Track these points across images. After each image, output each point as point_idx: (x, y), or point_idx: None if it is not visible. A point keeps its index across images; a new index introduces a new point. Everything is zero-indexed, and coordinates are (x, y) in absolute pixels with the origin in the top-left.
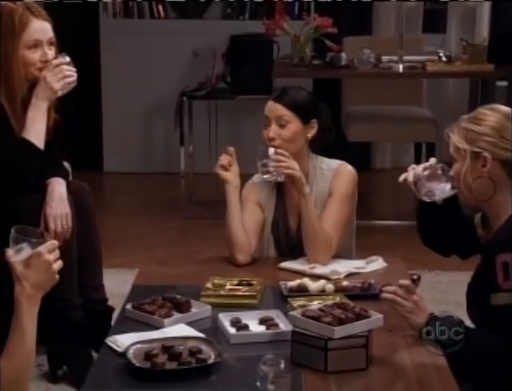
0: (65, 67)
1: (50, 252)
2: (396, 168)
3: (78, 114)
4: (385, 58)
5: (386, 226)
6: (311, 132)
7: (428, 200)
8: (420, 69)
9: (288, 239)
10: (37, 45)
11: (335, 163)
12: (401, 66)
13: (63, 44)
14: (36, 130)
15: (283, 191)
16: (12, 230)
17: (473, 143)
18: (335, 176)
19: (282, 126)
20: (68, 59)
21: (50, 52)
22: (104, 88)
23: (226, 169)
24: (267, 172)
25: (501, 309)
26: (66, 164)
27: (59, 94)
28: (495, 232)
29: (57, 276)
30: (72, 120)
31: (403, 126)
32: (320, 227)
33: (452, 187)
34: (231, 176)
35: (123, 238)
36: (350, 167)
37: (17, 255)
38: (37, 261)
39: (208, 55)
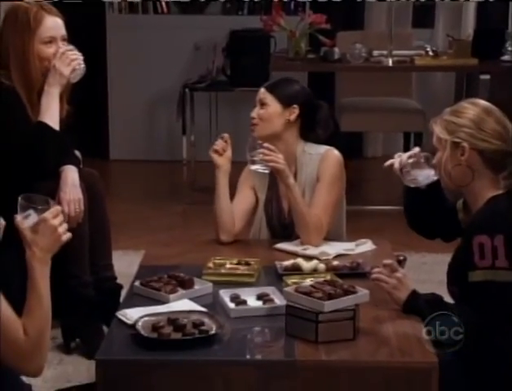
0: (70, 52)
1: (54, 217)
2: (387, 156)
3: (86, 105)
4: (376, 52)
5: (376, 211)
6: (292, 116)
7: (412, 186)
8: (408, 63)
9: (280, 218)
10: (51, 41)
11: (322, 148)
12: (391, 60)
13: (71, 38)
14: (50, 114)
15: (274, 174)
16: (19, 197)
17: (453, 134)
18: (322, 160)
19: (262, 107)
20: (71, 46)
21: (63, 48)
22: (110, 80)
23: (219, 153)
24: (254, 163)
25: (477, 286)
26: (77, 153)
27: (72, 80)
28: (473, 215)
29: (64, 238)
30: (80, 111)
31: (393, 117)
32: (308, 213)
33: (435, 174)
34: (223, 161)
35: (129, 222)
36: (336, 152)
37: (25, 221)
38: (44, 227)
39: (209, 49)
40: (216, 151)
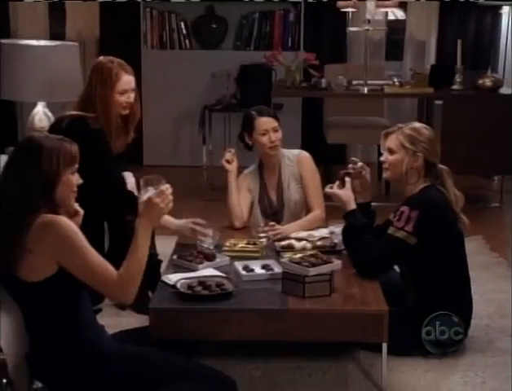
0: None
1: (158, 196)
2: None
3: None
4: (354, 82)
5: None
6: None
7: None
8: (379, 91)
9: (272, 208)
10: (125, 92)
11: (296, 151)
12: (366, 88)
13: None
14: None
15: (263, 177)
16: (140, 179)
17: (414, 145)
18: (300, 162)
19: (276, 132)
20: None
21: (132, 95)
22: (144, 102)
23: (229, 162)
24: (261, 237)
25: (387, 236)
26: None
27: None
28: (409, 196)
29: (164, 212)
30: None
31: (369, 132)
32: (311, 222)
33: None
34: (232, 168)
35: None
36: (306, 153)
37: (141, 197)
38: (149, 203)
39: (223, 78)
40: (227, 161)
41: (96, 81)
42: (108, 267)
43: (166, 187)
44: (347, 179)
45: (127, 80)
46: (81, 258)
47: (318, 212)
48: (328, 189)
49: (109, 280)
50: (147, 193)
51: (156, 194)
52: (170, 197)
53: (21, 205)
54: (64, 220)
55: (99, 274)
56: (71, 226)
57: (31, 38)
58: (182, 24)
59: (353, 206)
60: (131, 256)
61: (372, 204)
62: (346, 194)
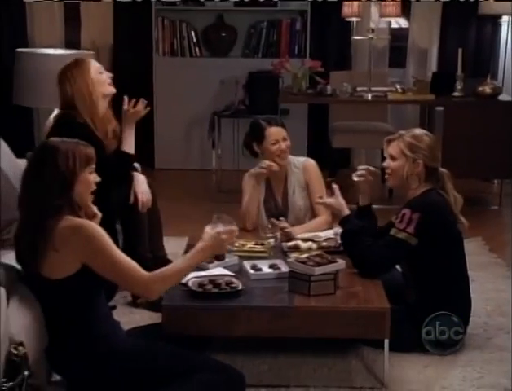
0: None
1: (225, 234)
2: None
3: (137, 127)
4: (359, 88)
5: None
6: None
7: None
8: (383, 97)
9: (277, 209)
10: (102, 71)
11: (302, 158)
12: (370, 95)
13: (128, 75)
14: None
15: (270, 181)
16: (214, 215)
17: (414, 153)
18: (306, 169)
19: (285, 141)
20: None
21: (109, 74)
22: (156, 107)
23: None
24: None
25: (389, 237)
26: (136, 165)
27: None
28: (411, 199)
29: (224, 249)
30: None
31: (373, 137)
32: (317, 226)
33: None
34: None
35: (171, 217)
36: (312, 161)
37: (210, 229)
38: (215, 236)
39: (232, 85)
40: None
41: (70, 79)
42: (135, 265)
43: (236, 229)
44: (334, 186)
45: (95, 63)
46: (110, 259)
47: (324, 217)
48: (318, 200)
49: (136, 278)
50: (217, 228)
51: (226, 231)
52: (235, 239)
53: (42, 205)
54: (91, 224)
55: (127, 272)
56: (98, 229)
57: (47, 46)
58: (192, 32)
59: (347, 212)
60: (175, 265)
61: (376, 206)
62: (336, 202)
